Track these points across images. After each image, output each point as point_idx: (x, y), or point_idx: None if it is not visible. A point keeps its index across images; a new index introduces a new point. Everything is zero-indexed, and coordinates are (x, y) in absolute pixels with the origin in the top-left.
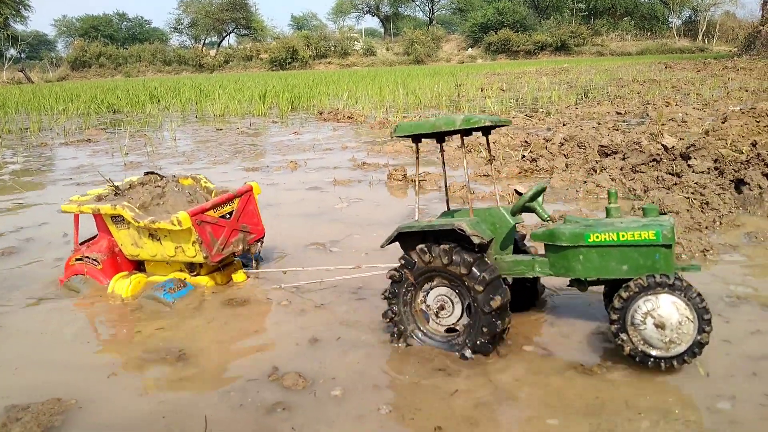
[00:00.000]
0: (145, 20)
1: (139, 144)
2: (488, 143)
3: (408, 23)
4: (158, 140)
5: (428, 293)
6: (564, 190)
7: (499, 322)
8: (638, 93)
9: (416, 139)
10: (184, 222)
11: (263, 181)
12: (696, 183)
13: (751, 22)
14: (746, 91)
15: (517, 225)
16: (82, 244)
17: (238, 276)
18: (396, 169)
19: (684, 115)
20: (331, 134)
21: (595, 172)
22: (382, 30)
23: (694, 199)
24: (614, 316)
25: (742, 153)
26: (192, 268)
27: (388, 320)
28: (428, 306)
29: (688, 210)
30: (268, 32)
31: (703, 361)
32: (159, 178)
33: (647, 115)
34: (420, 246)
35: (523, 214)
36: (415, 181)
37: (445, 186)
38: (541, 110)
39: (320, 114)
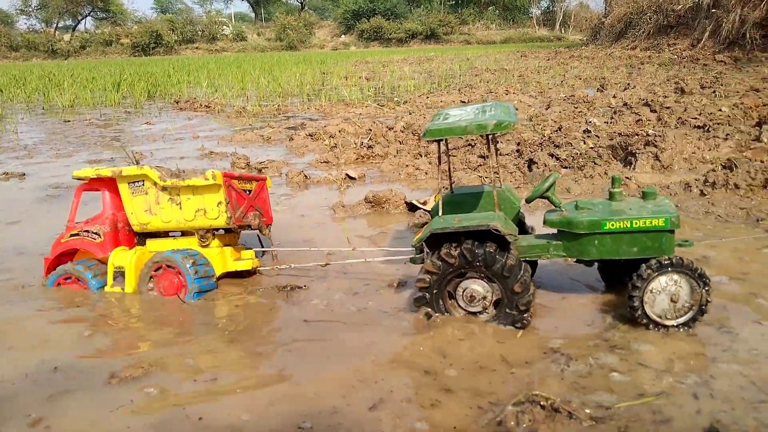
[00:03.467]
0: None
1: None
2: (488, 143)
3: (279, 8)
4: None
5: (458, 284)
6: (390, 173)
7: (528, 300)
8: (487, 82)
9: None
10: (217, 177)
11: None
12: (498, 164)
13: (598, 13)
14: (580, 78)
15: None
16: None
17: (246, 264)
18: (239, 158)
19: (518, 102)
20: (185, 124)
21: (421, 156)
22: (253, 15)
23: (486, 177)
24: (634, 291)
25: (544, 136)
26: (203, 240)
27: (420, 306)
28: (459, 297)
29: None
30: (128, 15)
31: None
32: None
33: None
34: (465, 245)
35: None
36: (441, 177)
37: (449, 171)
38: (396, 99)
39: (177, 103)
